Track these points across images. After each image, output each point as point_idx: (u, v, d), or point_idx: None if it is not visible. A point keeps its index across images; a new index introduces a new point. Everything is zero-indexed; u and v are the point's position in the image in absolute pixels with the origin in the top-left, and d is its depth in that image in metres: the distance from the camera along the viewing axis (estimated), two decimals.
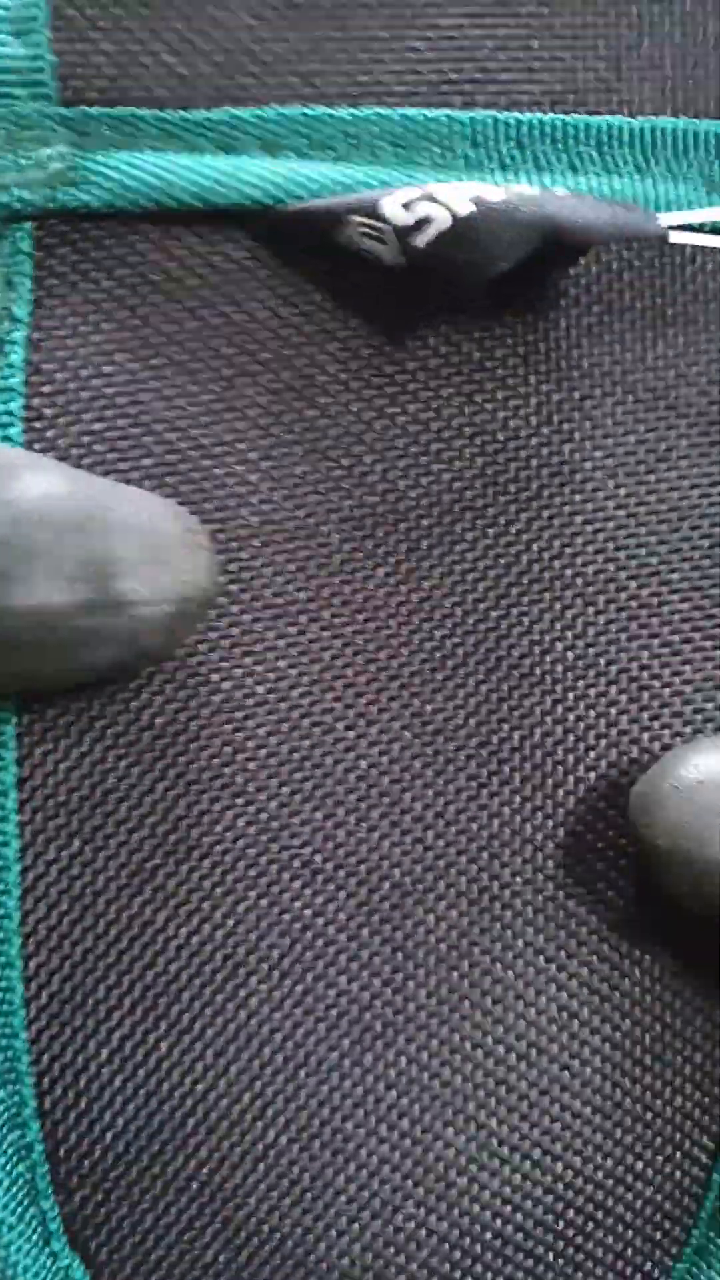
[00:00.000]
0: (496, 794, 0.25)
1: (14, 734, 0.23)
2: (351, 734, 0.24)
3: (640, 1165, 0.24)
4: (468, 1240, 0.24)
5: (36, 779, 0.23)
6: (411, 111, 0.24)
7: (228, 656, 0.24)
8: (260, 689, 0.24)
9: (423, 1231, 0.24)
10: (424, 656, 0.25)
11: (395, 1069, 0.24)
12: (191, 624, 0.22)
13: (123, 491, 0.22)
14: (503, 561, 0.25)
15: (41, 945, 0.23)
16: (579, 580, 0.25)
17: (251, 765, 0.24)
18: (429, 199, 0.24)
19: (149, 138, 0.24)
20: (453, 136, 0.24)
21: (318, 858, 0.24)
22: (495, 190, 0.24)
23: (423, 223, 0.23)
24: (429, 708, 0.25)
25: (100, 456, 0.24)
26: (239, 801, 0.24)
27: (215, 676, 0.24)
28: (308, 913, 0.24)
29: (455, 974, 0.24)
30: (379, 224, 0.24)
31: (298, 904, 0.24)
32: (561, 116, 0.25)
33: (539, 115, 0.25)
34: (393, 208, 0.24)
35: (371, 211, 0.24)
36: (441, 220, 0.23)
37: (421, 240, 0.23)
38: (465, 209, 0.23)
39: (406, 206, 0.24)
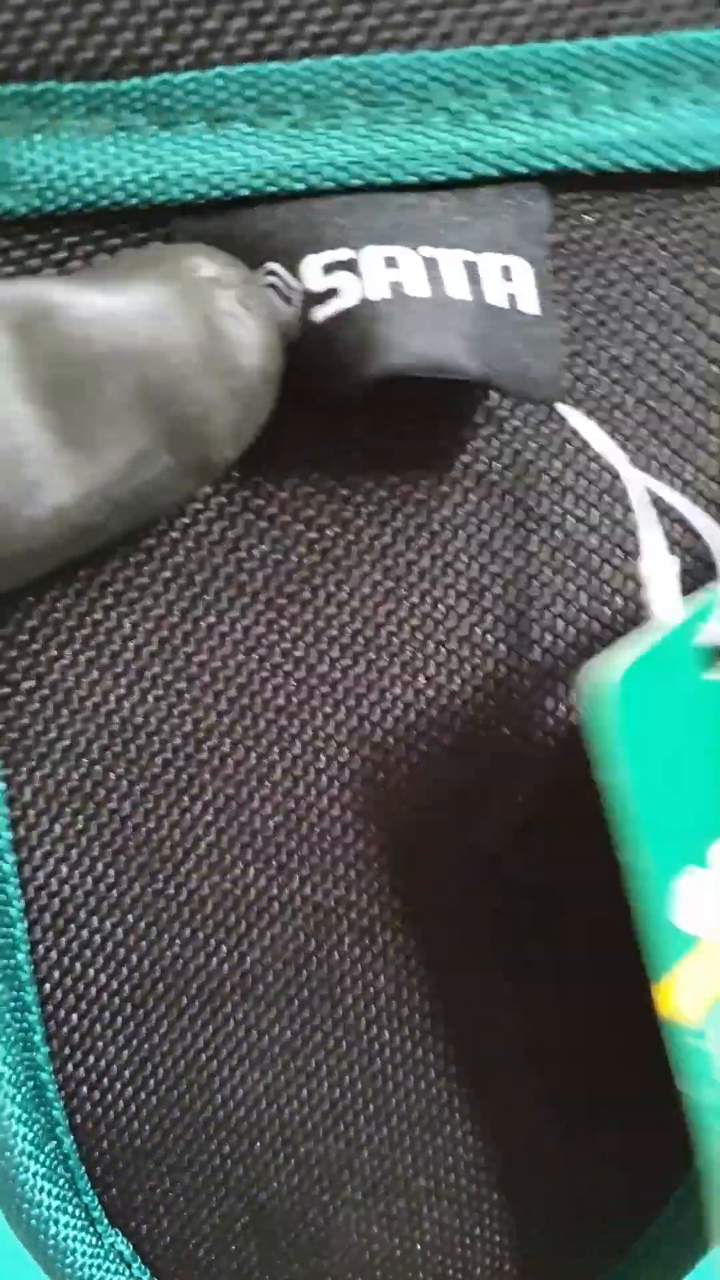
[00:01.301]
0: None
1: None
2: None
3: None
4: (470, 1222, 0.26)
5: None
6: (378, 58, 0.21)
7: None
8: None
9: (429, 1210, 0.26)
10: None
11: (402, 1053, 0.25)
12: (259, 417, 0.20)
13: (143, 272, 0.19)
14: None
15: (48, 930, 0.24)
16: None
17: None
18: (349, 268, 0.20)
19: (74, 117, 0.21)
20: (429, 85, 0.21)
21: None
22: (420, 283, 0.20)
23: (330, 294, 0.20)
24: None
25: None
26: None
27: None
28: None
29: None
30: (290, 281, 0.21)
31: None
32: (563, 43, 0.21)
33: (534, 45, 0.21)
34: (313, 268, 0.21)
35: (289, 263, 0.21)
36: (348, 296, 0.20)
37: (321, 315, 0.21)
38: (378, 292, 0.20)
39: (327, 270, 0.20)
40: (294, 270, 0.21)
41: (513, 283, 0.21)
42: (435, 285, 0.21)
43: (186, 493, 0.20)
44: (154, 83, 0.20)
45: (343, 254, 0.21)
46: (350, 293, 0.20)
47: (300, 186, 0.21)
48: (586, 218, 0.22)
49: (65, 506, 0.19)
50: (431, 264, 0.21)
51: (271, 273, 0.21)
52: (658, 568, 0.21)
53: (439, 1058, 0.24)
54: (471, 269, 0.21)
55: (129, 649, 0.23)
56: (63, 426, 0.18)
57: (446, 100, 0.21)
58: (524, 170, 0.21)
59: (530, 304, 0.21)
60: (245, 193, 0.21)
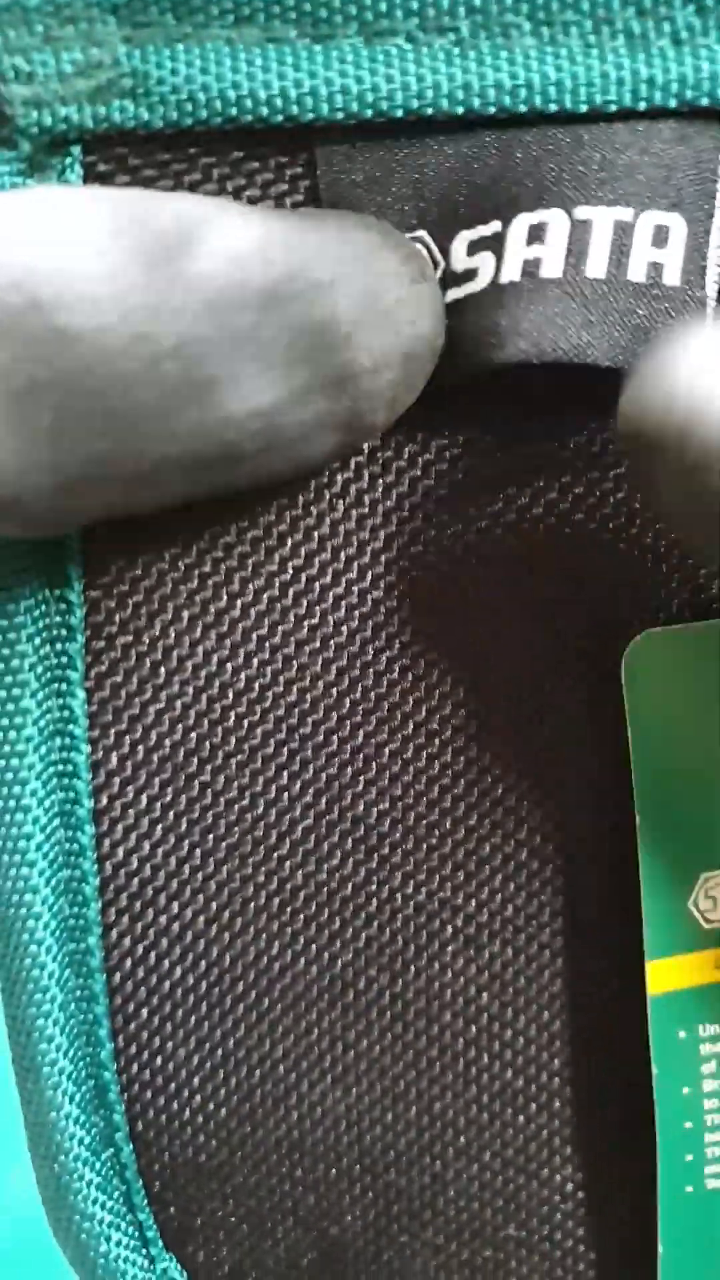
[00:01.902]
0: None
1: (80, 596, 0.21)
2: None
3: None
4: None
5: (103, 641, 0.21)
6: None
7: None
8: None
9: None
10: None
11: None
12: (417, 385, 0.19)
13: (318, 223, 0.18)
14: None
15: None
16: None
17: None
18: (493, 247, 0.19)
19: (220, 26, 0.19)
20: (610, 4, 0.19)
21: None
22: (557, 260, 0.19)
23: (467, 275, 0.19)
24: None
25: None
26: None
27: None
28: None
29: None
30: (435, 255, 0.19)
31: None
32: None
33: None
34: (460, 245, 0.19)
35: (440, 236, 0.19)
36: (480, 279, 0.19)
37: (450, 296, 0.19)
38: (509, 274, 0.19)
39: (472, 250, 0.19)
40: (445, 246, 0.19)
41: (665, 248, 0.19)
42: (574, 262, 0.19)
43: (328, 449, 0.19)
44: None
45: (492, 228, 0.19)
46: (483, 275, 0.19)
47: (460, 110, 0.19)
48: None
49: (225, 418, 0.17)
50: (580, 231, 0.19)
51: (419, 239, 0.19)
52: None
53: (542, 1091, 0.22)
54: (620, 237, 0.19)
55: (237, 607, 0.21)
56: (231, 345, 0.17)
57: (629, 21, 0.19)
58: (706, 103, 0.19)
59: (674, 275, 0.20)
60: (399, 114, 0.19)
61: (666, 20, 0.19)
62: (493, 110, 0.19)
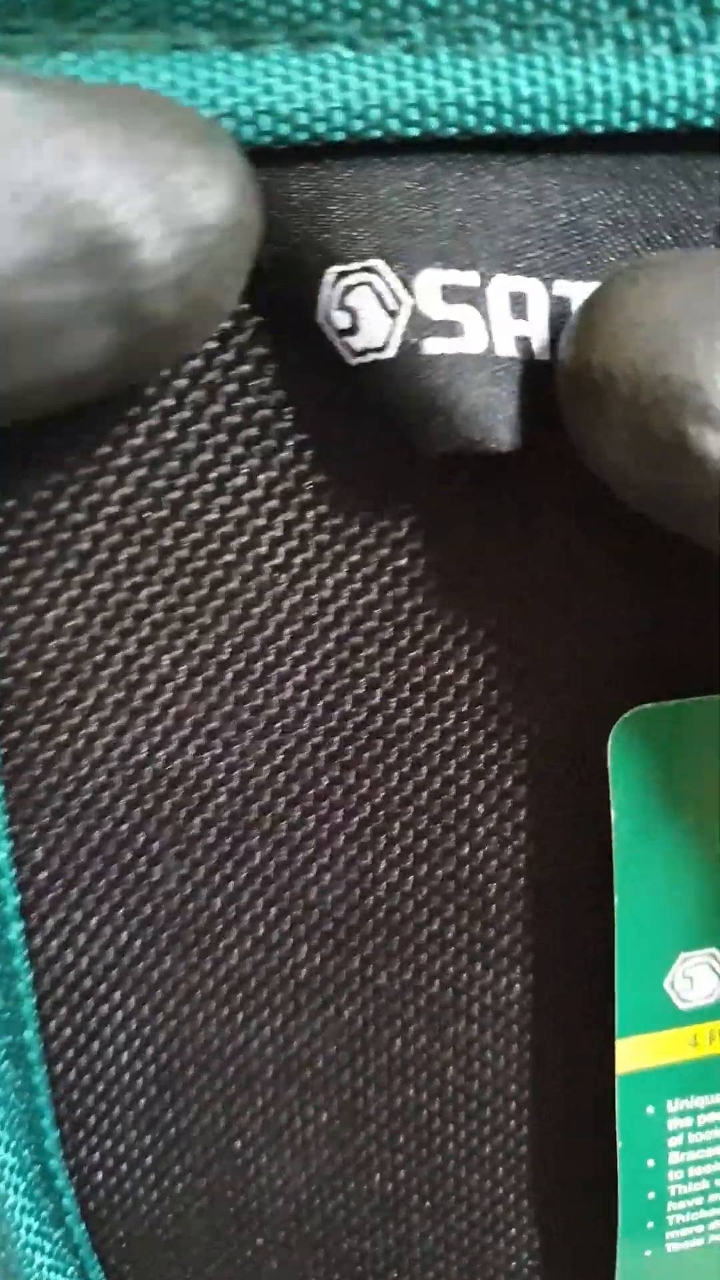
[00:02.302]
0: None
1: None
2: None
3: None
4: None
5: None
6: None
7: None
8: None
9: None
10: None
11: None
12: (217, 279, 0.14)
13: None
14: None
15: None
16: None
17: None
18: (474, 301, 0.16)
19: (116, 30, 0.15)
20: (595, 3, 0.15)
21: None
22: (543, 338, 0.16)
23: (450, 328, 0.16)
24: None
25: None
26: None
27: None
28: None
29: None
30: (397, 291, 0.16)
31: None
32: None
33: None
34: (431, 286, 0.16)
35: (404, 271, 0.16)
36: (472, 341, 0.16)
37: (435, 349, 0.16)
38: (506, 348, 0.16)
39: (448, 296, 0.16)
40: (408, 281, 0.16)
41: None
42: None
43: (101, 355, 0.14)
44: None
45: (469, 278, 0.16)
46: (473, 338, 0.16)
47: (414, 131, 0.16)
48: None
49: None
50: (562, 308, 0.17)
51: (371, 269, 0.16)
52: None
53: (509, 1156, 0.22)
54: None
55: (167, 690, 0.19)
56: None
57: (618, 24, 0.16)
58: (709, 124, 0.16)
59: None
60: (340, 136, 0.16)
61: (664, 24, 0.16)
62: (453, 132, 0.16)
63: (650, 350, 0.14)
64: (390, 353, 0.16)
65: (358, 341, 0.16)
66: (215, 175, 0.14)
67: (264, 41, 0.15)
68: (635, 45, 0.16)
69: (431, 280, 0.16)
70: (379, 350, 0.16)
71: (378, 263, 0.16)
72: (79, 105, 0.13)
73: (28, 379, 0.14)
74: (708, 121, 0.16)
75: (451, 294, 0.16)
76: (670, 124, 0.16)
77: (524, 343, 0.16)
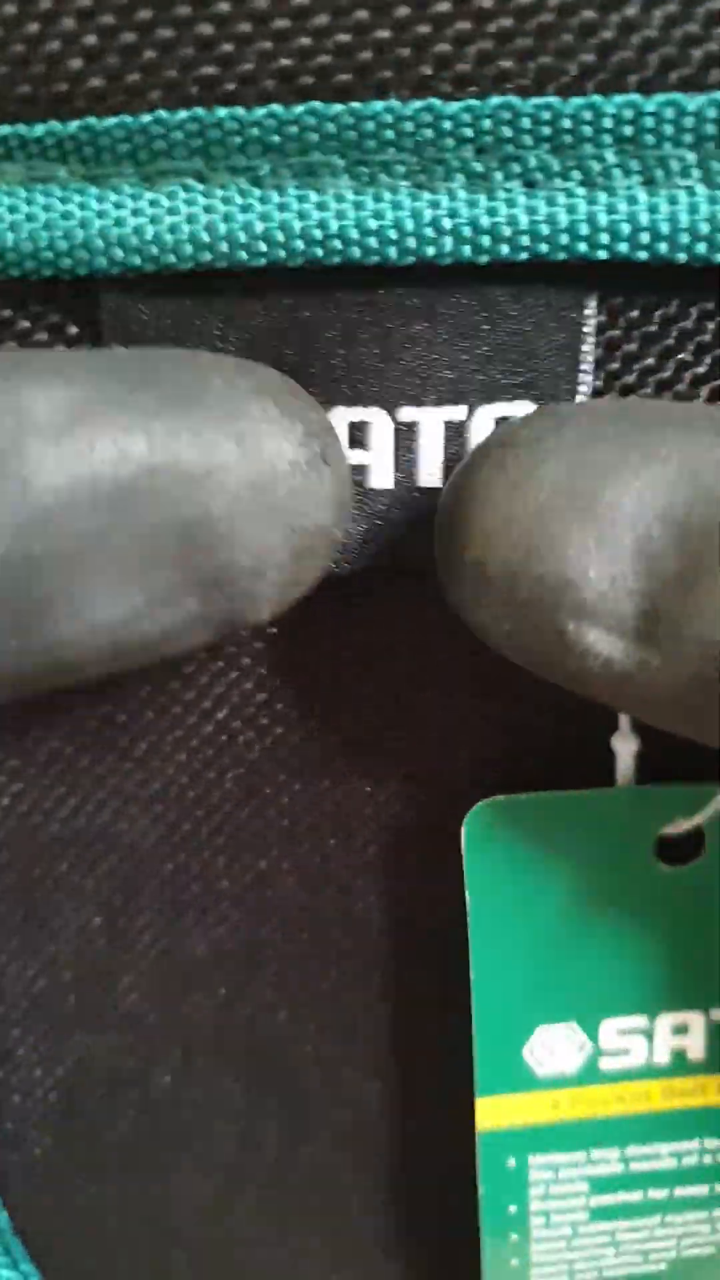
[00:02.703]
0: None
1: None
2: None
3: None
4: None
5: None
6: (371, 106, 0.15)
7: None
8: None
9: None
10: None
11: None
12: (309, 580, 0.15)
13: (194, 387, 0.14)
14: None
15: None
16: None
17: None
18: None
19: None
20: (442, 141, 0.15)
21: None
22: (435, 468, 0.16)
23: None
24: None
25: None
26: None
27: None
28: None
29: None
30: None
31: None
32: (634, 98, 0.15)
33: (593, 99, 0.15)
34: (338, 423, 0.16)
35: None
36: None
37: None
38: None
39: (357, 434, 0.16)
40: None
41: None
42: (404, 469, 0.17)
43: (199, 645, 0.16)
44: (74, 127, 0.15)
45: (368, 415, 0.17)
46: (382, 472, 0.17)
47: (261, 262, 0.16)
48: (646, 327, 0.17)
49: (59, 640, 0.14)
50: (406, 436, 0.17)
51: None
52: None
53: (384, 1188, 0.23)
54: (454, 438, 0.17)
55: (60, 759, 0.20)
56: (71, 558, 0.14)
57: (466, 161, 0.15)
58: (564, 257, 0.16)
59: None
60: (188, 267, 0.16)
61: (515, 160, 0.15)
62: (301, 263, 0.16)
63: (524, 547, 0.14)
64: None
65: None
66: (320, 502, 0.15)
67: (115, 175, 0.16)
68: (485, 180, 0.15)
69: (340, 418, 0.16)
70: None
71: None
72: (205, 434, 0.14)
73: (133, 667, 0.15)
74: (562, 255, 0.16)
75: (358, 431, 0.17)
76: (524, 256, 0.16)
77: (359, 470, 0.17)
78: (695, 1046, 0.20)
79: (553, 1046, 0.20)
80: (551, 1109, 0.21)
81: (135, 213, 0.16)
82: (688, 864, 0.19)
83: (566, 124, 0.15)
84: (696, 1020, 0.20)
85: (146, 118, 0.15)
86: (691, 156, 0.15)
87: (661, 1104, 0.20)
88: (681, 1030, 0.20)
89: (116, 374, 0.14)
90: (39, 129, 0.15)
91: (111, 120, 0.15)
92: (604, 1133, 0.21)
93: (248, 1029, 0.22)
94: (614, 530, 0.14)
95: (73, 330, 0.17)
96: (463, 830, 0.19)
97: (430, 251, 0.16)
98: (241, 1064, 0.22)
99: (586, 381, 0.17)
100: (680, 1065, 0.20)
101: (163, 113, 0.15)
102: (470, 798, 0.19)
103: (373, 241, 0.16)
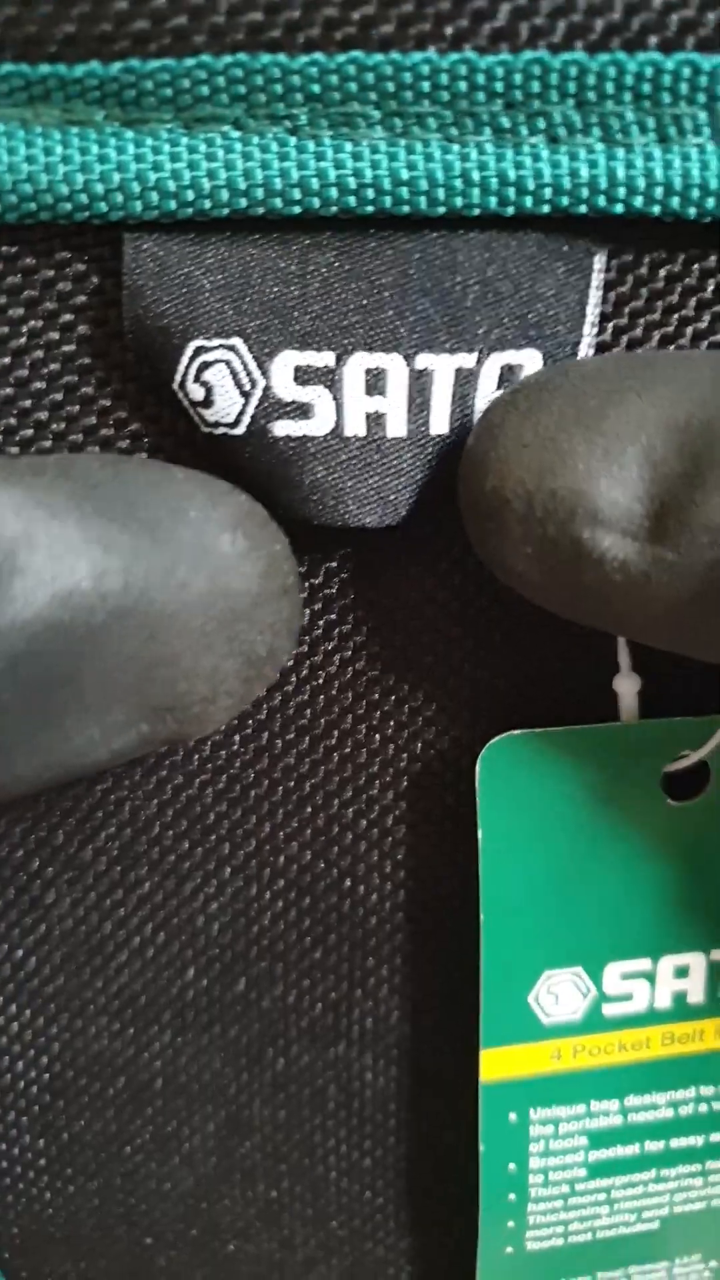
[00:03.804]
0: None
1: None
2: None
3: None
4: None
5: None
6: (410, 57, 0.15)
7: None
8: None
9: None
10: None
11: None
12: (262, 690, 0.16)
13: (168, 526, 0.14)
14: None
15: None
16: None
17: None
18: (327, 382, 0.16)
19: (10, 105, 0.15)
20: (473, 94, 0.16)
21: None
22: (400, 416, 0.17)
23: (298, 409, 0.17)
24: None
25: None
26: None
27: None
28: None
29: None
30: (253, 371, 0.16)
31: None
32: (654, 55, 0.15)
33: (617, 55, 0.16)
34: (284, 368, 0.16)
35: (259, 351, 0.16)
36: (319, 422, 0.17)
37: (281, 430, 0.17)
38: (354, 427, 0.17)
39: (301, 378, 0.16)
40: (263, 363, 0.16)
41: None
42: (417, 418, 0.17)
43: (139, 756, 0.16)
44: (116, 69, 0.15)
45: (324, 359, 0.16)
46: (322, 418, 0.17)
47: (296, 210, 0.16)
48: (652, 283, 0.18)
49: (17, 777, 0.14)
50: (421, 383, 0.17)
51: (230, 348, 0.16)
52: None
53: (388, 1168, 0.22)
54: (463, 387, 0.17)
55: None
56: (36, 700, 0.14)
57: (496, 115, 0.16)
58: (584, 211, 0.16)
59: None
60: (223, 213, 0.16)
61: (541, 115, 0.16)
62: (334, 211, 0.16)
63: (537, 467, 0.15)
64: (240, 430, 0.17)
65: (210, 415, 0.17)
66: (279, 631, 0.15)
67: (154, 120, 0.16)
68: (513, 134, 0.16)
69: (287, 362, 0.16)
70: (230, 426, 0.17)
71: (237, 341, 0.16)
72: (178, 574, 0.14)
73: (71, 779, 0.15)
74: (582, 209, 0.16)
75: (305, 375, 0.17)
76: (545, 210, 0.16)
77: (377, 419, 0.17)
78: (695, 989, 0.20)
79: (559, 993, 0.20)
80: (554, 1060, 0.21)
81: (173, 158, 0.16)
82: (693, 799, 0.19)
83: (592, 80, 0.16)
84: (698, 962, 0.20)
85: (190, 62, 0.15)
86: (703, 115, 0.16)
87: (661, 1051, 0.21)
88: (683, 973, 0.20)
89: (96, 504, 0.14)
90: (79, 70, 0.15)
91: (155, 63, 0.15)
92: (604, 1083, 0.21)
93: (242, 1005, 0.21)
94: (619, 443, 0.15)
95: (95, 280, 0.17)
96: (478, 766, 0.19)
97: (459, 202, 0.16)
98: (233, 1043, 0.21)
99: (591, 334, 0.17)
100: (681, 1009, 0.20)
101: (207, 58, 0.15)
102: (475, 754, 0.19)
103: (404, 192, 0.16)
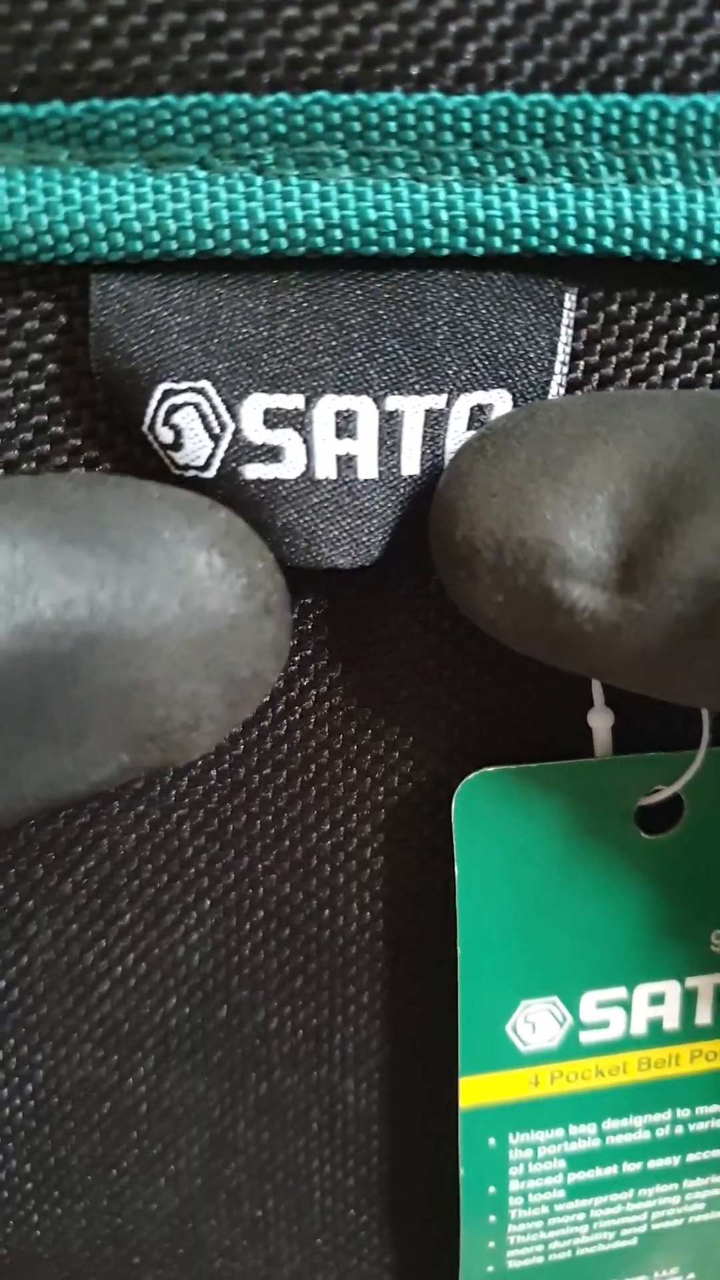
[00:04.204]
0: None
1: None
2: None
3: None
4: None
5: None
6: (375, 98, 0.15)
7: None
8: None
9: None
10: None
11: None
12: (247, 714, 0.15)
13: (139, 546, 0.14)
14: None
15: None
16: None
17: None
18: (297, 425, 0.16)
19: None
20: (440, 134, 0.15)
21: None
22: (371, 458, 0.16)
23: (268, 453, 0.16)
24: None
25: None
26: None
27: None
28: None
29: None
30: (221, 414, 0.16)
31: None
32: (622, 98, 0.15)
33: (584, 97, 0.15)
34: (254, 411, 0.16)
35: (228, 395, 0.16)
36: (289, 465, 0.16)
37: (252, 474, 0.16)
38: (325, 470, 0.17)
39: (270, 421, 0.16)
40: (233, 406, 0.16)
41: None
42: (388, 459, 0.17)
43: (124, 783, 0.16)
44: (78, 109, 0.15)
45: (294, 401, 0.16)
46: (292, 461, 0.16)
47: (264, 250, 0.16)
48: (623, 321, 0.17)
49: None
50: (391, 424, 0.17)
51: (198, 390, 0.16)
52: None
53: (366, 1185, 0.22)
54: (434, 429, 0.17)
55: None
56: (5, 726, 0.13)
57: (463, 154, 0.15)
58: (553, 251, 0.16)
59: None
60: (191, 254, 0.16)
61: (509, 155, 0.15)
62: (302, 251, 0.16)
63: (505, 516, 0.14)
64: (211, 473, 0.16)
65: (180, 458, 0.16)
66: (262, 652, 0.15)
67: (118, 160, 0.15)
68: (481, 174, 0.16)
69: (256, 405, 0.16)
70: (201, 469, 0.16)
71: (206, 385, 0.16)
72: (149, 597, 0.14)
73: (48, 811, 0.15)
74: (551, 249, 0.16)
75: (275, 418, 0.16)
76: (515, 249, 0.16)
77: (348, 461, 0.16)
78: (670, 1016, 0.20)
79: (536, 1022, 0.20)
80: (532, 1086, 0.21)
81: (138, 198, 0.15)
82: (666, 832, 0.19)
83: (559, 121, 0.15)
84: (672, 989, 0.20)
85: (154, 102, 0.15)
86: (671, 156, 0.16)
87: (637, 1075, 0.21)
88: (658, 1000, 0.20)
89: (63, 529, 0.13)
90: (41, 110, 0.15)
91: (118, 103, 0.15)
92: (582, 1107, 0.21)
93: (225, 1031, 0.21)
94: (587, 492, 0.14)
95: (63, 319, 0.17)
96: (454, 802, 0.19)
97: (426, 242, 0.16)
98: (217, 1068, 0.21)
99: (562, 373, 0.17)
100: (656, 1035, 0.20)
101: (170, 98, 0.15)
102: (451, 787, 0.19)
103: (371, 232, 0.16)
